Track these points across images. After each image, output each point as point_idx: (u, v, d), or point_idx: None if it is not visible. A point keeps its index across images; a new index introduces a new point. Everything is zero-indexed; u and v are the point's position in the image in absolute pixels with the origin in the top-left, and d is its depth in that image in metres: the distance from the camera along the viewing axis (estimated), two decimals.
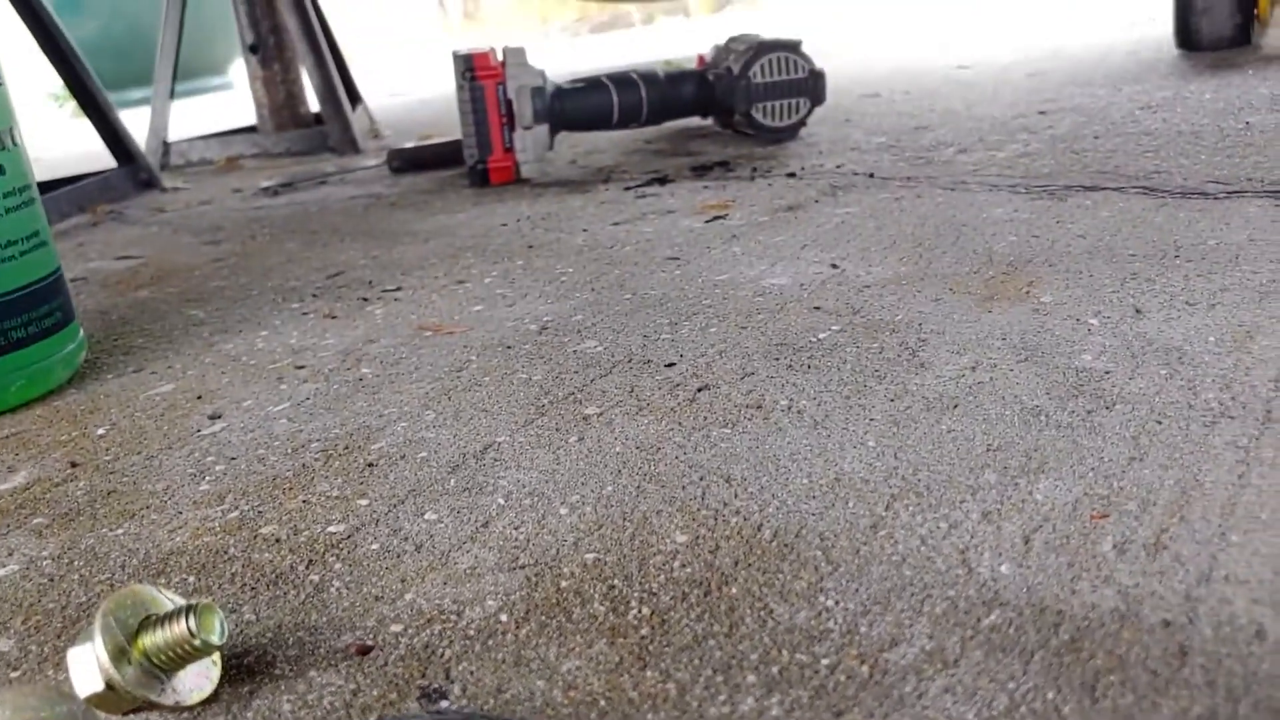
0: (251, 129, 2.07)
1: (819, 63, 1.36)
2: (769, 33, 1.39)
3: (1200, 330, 0.61)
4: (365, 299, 0.93)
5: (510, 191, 1.32)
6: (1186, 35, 1.51)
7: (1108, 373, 0.58)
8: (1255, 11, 1.48)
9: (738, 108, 1.33)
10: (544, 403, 0.64)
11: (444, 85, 2.85)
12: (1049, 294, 0.70)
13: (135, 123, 1.96)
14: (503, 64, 1.32)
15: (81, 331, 0.81)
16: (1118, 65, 1.54)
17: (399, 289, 0.94)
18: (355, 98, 2.13)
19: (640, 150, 1.48)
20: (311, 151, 1.96)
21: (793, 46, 1.33)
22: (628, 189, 1.23)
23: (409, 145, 1.62)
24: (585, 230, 1.06)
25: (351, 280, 1.00)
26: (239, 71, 3.58)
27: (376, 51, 6.44)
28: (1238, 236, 0.74)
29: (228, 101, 3.91)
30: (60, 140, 3.11)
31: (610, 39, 4.54)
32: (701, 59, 1.47)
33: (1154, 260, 0.72)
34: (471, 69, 1.30)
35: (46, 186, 1.55)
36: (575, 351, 0.72)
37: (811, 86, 1.33)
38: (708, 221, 1.02)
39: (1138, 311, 0.65)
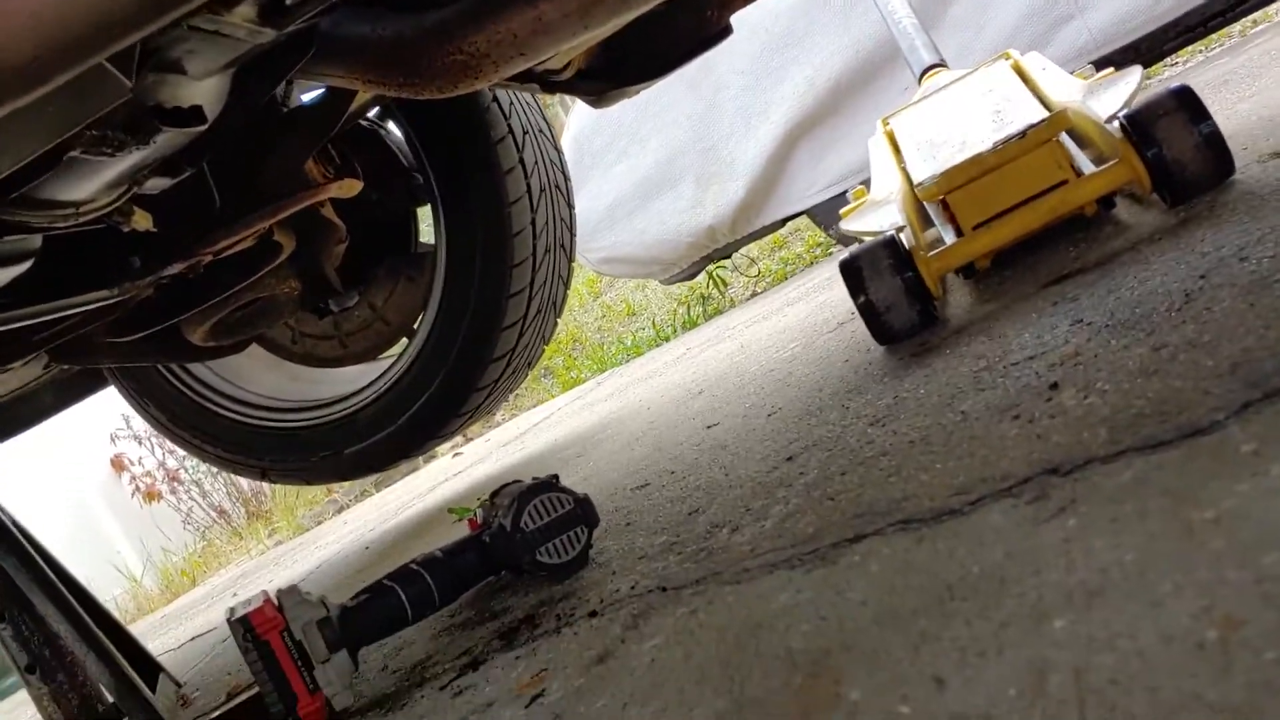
0: None
1: (581, 485, 1.41)
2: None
3: (999, 685, 0.62)
4: None
5: None
6: (883, 333, 1.65)
7: None
8: (930, 293, 1.64)
9: (522, 559, 1.34)
10: None
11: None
12: (855, 689, 0.70)
13: None
14: (280, 608, 1.30)
15: None
16: (839, 377, 1.67)
17: None
18: (154, 668, 2.03)
19: (448, 627, 1.46)
20: None
21: (551, 485, 1.37)
22: (443, 688, 1.20)
23: (216, 713, 1.54)
24: None
25: None
26: None
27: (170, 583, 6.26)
28: (995, 555, 0.78)
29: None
30: None
31: (396, 488, 4.58)
32: (473, 522, 1.50)
33: (934, 611, 0.75)
34: (251, 629, 1.27)
35: None
36: None
37: (582, 514, 1.37)
38: (527, 705, 1.00)
39: (939, 682, 0.66)
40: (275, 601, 1.31)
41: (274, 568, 3.88)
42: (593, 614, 1.17)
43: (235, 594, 3.38)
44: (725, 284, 4.74)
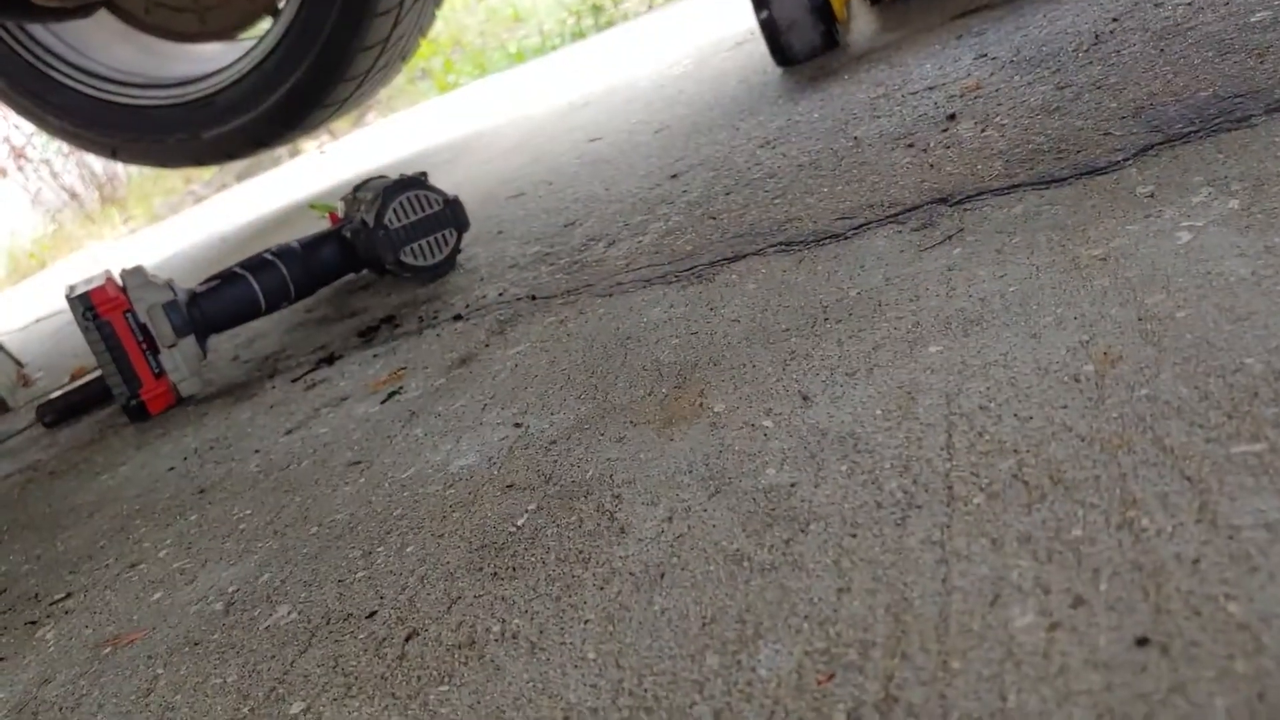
0: None
1: (451, 189, 1.34)
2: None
3: (866, 405, 0.61)
4: (33, 621, 0.82)
5: (174, 418, 1.22)
6: (782, 53, 1.58)
7: (794, 485, 0.56)
8: (834, 14, 1.56)
9: (385, 258, 1.28)
10: (244, 711, 0.57)
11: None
12: (720, 401, 0.69)
13: None
14: (124, 289, 1.22)
15: None
16: (731, 97, 1.60)
17: (68, 595, 0.84)
18: None
19: (304, 322, 1.40)
20: None
21: (419, 183, 1.29)
22: (296, 380, 1.16)
23: (58, 393, 1.48)
24: (258, 451, 0.98)
25: (16, 598, 0.88)
26: None
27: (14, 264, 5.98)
28: (874, 279, 0.76)
29: None
30: None
31: (257, 181, 4.39)
32: (334, 216, 1.42)
33: (806, 330, 0.73)
34: (91, 308, 1.20)
35: None
36: (268, 628, 0.65)
37: (451, 216, 1.30)
38: (384, 401, 0.97)
39: (805, 399, 0.64)
40: (119, 281, 1.24)
41: (128, 254, 3.72)
42: (457, 318, 1.13)
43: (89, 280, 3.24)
44: None
